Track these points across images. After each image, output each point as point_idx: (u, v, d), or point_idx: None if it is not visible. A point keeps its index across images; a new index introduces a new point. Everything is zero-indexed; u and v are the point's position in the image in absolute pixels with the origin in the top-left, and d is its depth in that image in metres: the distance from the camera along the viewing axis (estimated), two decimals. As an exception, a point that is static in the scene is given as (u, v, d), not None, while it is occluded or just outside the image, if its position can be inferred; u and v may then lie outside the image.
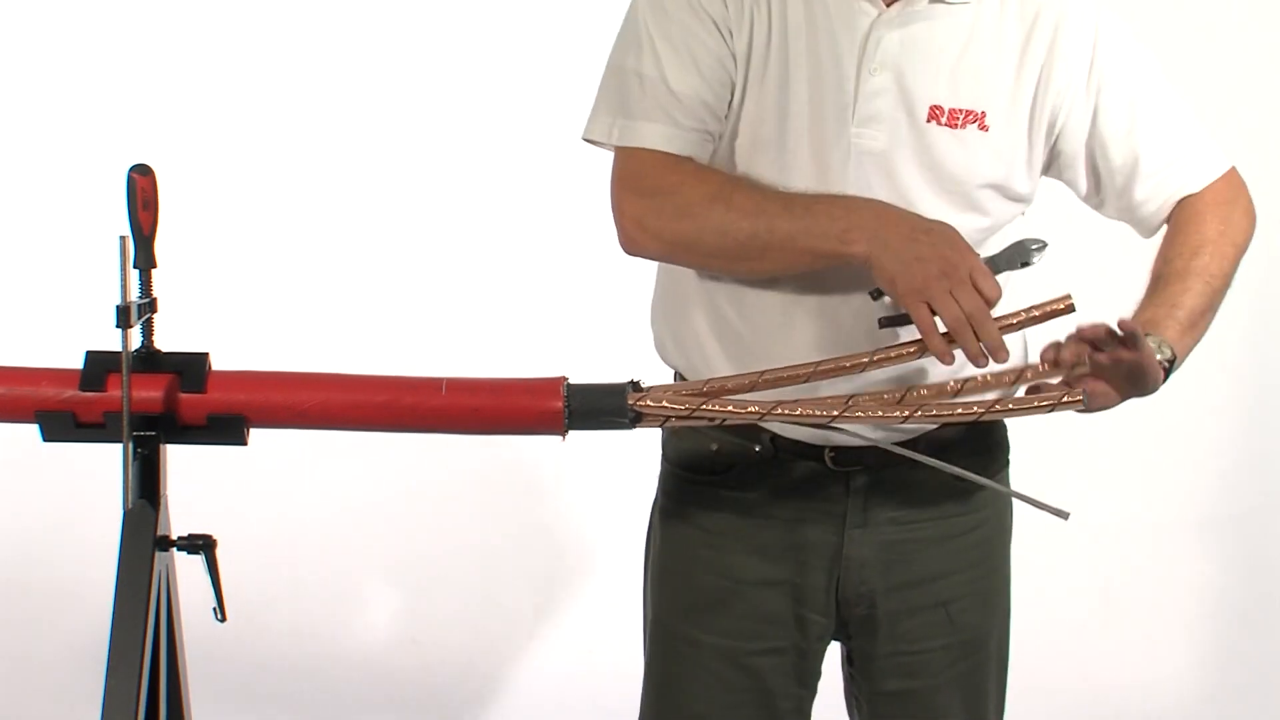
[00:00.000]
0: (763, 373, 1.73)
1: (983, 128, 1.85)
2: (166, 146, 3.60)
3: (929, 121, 1.84)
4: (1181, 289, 1.89)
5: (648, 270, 2.06)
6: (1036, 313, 1.74)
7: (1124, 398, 1.79)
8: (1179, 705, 3.74)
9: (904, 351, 1.73)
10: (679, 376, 1.98)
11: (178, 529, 1.72)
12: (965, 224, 1.80)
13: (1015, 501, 1.95)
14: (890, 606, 1.97)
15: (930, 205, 1.82)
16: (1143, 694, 3.76)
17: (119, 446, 1.63)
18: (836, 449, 1.90)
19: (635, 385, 1.71)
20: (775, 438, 1.92)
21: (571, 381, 1.70)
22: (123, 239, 1.61)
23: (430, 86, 3.93)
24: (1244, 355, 3.92)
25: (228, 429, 1.68)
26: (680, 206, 1.80)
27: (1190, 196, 1.93)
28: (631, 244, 1.85)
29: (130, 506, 1.64)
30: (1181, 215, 1.93)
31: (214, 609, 1.75)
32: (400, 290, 3.97)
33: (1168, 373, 1.83)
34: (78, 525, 3.72)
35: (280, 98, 3.96)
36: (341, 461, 3.84)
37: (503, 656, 3.77)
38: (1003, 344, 1.69)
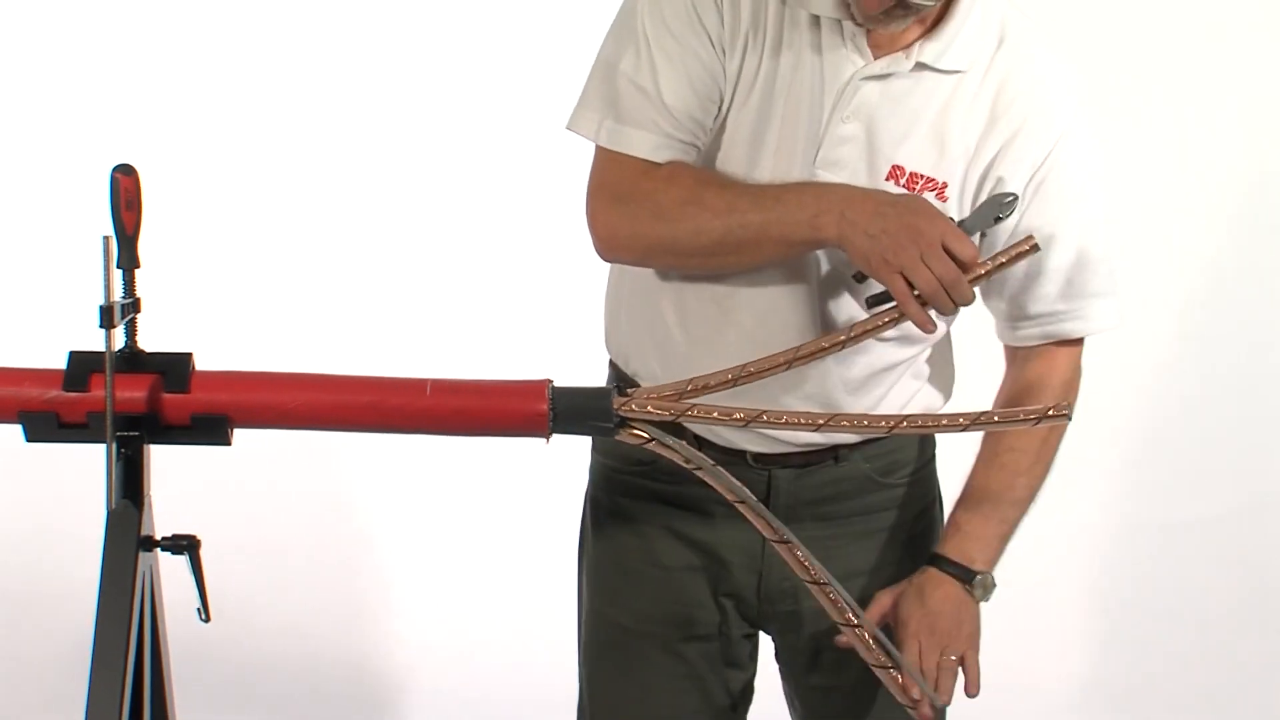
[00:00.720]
0: (744, 366, 1.73)
1: (941, 198, 1.84)
2: (150, 146, 3.60)
3: (887, 180, 1.84)
4: (1011, 503, 1.95)
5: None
6: (1004, 258, 1.75)
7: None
8: (1169, 703, 3.75)
9: (879, 323, 1.74)
10: (612, 365, 2.04)
11: (161, 529, 1.71)
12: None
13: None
14: (813, 603, 1.95)
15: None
16: (1130, 692, 3.77)
17: (102, 447, 1.63)
18: (758, 454, 1.95)
19: (620, 389, 1.71)
20: (698, 438, 1.95)
21: (556, 384, 1.70)
22: (106, 239, 1.61)
23: (413, 87, 3.93)
24: (1228, 358, 3.93)
25: (211, 429, 1.68)
26: (654, 211, 1.83)
27: (1048, 350, 1.93)
28: (607, 250, 1.89)
29: (114, 507, 1.63)
30: (1030, 375, 1.94)
31: (198, 609, 1.74)
32: (385, 291, 3.97)
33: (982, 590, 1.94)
34: (61, 526, 3.71)
35: (264, 98, 3.95)
36: (326, 462, 3.84)
37: (489, 656, 3.77)
38: (972, 297, 1.73)
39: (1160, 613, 3.90)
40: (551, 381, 1.69)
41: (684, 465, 1.70)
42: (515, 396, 1.68)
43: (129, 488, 1.66)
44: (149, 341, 1.70)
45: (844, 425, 1.73)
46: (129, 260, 1.65)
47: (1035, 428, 1.82)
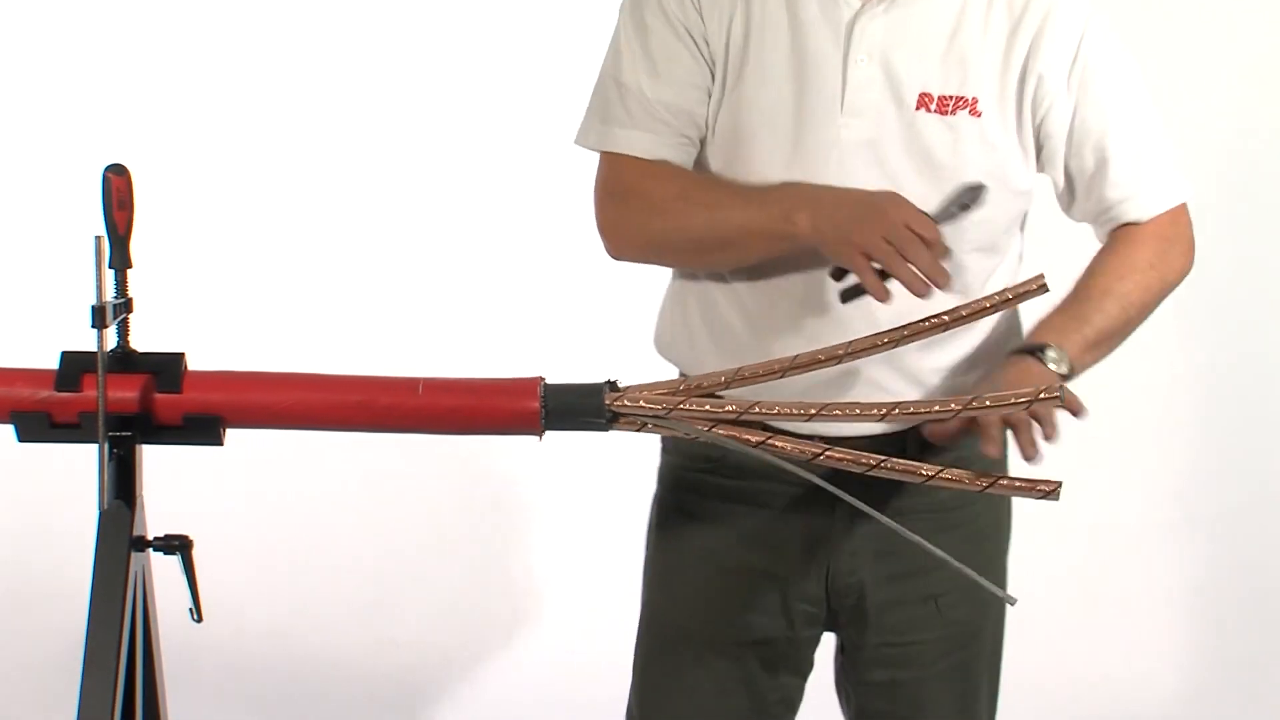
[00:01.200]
0: (739, 370, 1.73)
1: (974, 113, 1.86)
2: (142, 146, 3.59)
3: (918, 109, 1.85)
4: (1096, 308, 1.91)
5: (625, 272, 2.07)
6: (1010, 294, 1.74)
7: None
8: (1160, 703, 3.75)
9: (878, 342, 1.74)
10: (681, 373, 2.01)
11: (154, 529, 1.71)
12: (971, 217, 1.82)
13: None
14: (879, 598, 1.98)
15: (921, 195, 1.81)
16: (1125, 692, 3.78)
17: (95, 447, 1.63)
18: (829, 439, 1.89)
19: (612, 385, 1.71)
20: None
21: (548, 382, 1.70)
22: (98, 239, 1.61)
23: (408, 86, 3.93)
24: (1227, 355, 3.93)
25: (204, 429, 1.68)
26: (648, 207, 1.88)
27: (1130, 228, 1.94)
28: (613, 248, 1.93)
29: (106, 507, 1.63)
30: (1121, 235, 1.95)
31: (190, 609, 1.74)
32: (377, 290, 3.97)
33: (1064, 383, 1.83)
34: (53, 526, 3.71)
35: (257, 98, 3.95)
36: (318, 462, 3.83)
37: (480, 657, 3.77)
38: (941, 269, 1.71)
39: (1150, 612, 3.91)
40: (543, 379, 1.69)
41: (686, 439, 1.69)
42: (507, 394, 1.68)
43: (121, 488, 1.66)
44: (141, 341, 1.70)
45: (837, 414, 1.72)
46: (121, 260, 1.65)
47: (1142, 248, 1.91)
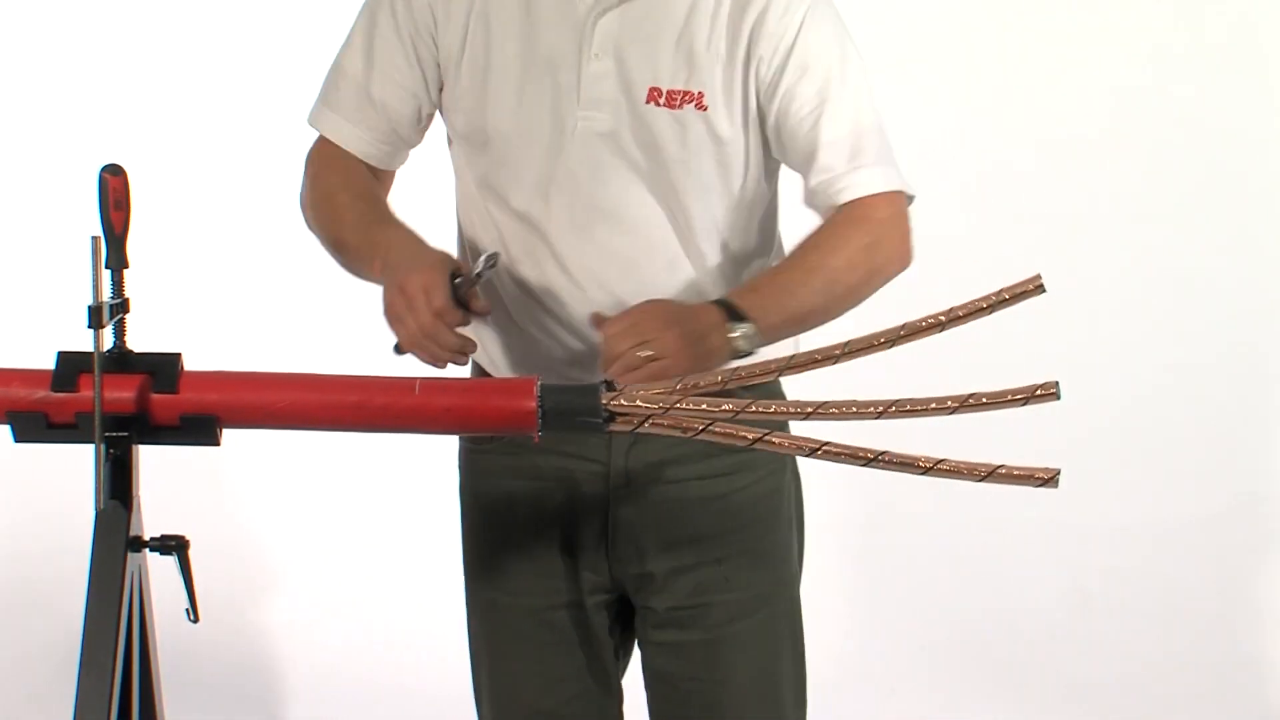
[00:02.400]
0: (735, 369, 1.73)
1: (700, 107, 1.91)
2: (138, 146, 3.59)
3: (648, 103, 1.92)
4: (803, 282, 1.91)
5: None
6: (1006, 295, 1.74)
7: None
8: (1153, 704, 3.76)
9: (875, 342, 1.74)
10: (476, 367, 2.09)
11: (150, 530, 1.71)
12: (701, 208, 1.93)
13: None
14: (664, 565, 2.03)
15: (656, 187, 1.93)
16: (1117, 692, 3.78)
17: (91, 447, 1.63)
18: None
19: (609, 385, 1.71)
20: None
21: (545, 381, 1.70)
22: (95, 239, 1.61)
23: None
24: (1218, 358, 3.94)
25: (200, 429, 1.68)
26: (315, 195, 2.05)
27: (857, 202, 1.94)
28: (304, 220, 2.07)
29: (102, 507, 1.63)
30: (837, 215, 1.95)
31: (186, 610, 1.74)
32: (373, 290, 3.97)
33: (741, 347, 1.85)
34: (50, 526, 3.71)
35: (253, 98, 3.95)
36: (315, 462, 3.84)
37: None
38: (460, 344, 1.80)
39: (1143, 614, 3.92)
40: (540, 378, 1.69)
41: (683, 435, 1.70)
42: (504, 394, 1.68)
43: (118, 488, 1.66)
44: (137, 342, 1.70)
45: (832, 413, 1.73)
46: (117, 260, 1.65)
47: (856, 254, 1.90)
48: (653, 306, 1.84)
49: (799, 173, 1.98)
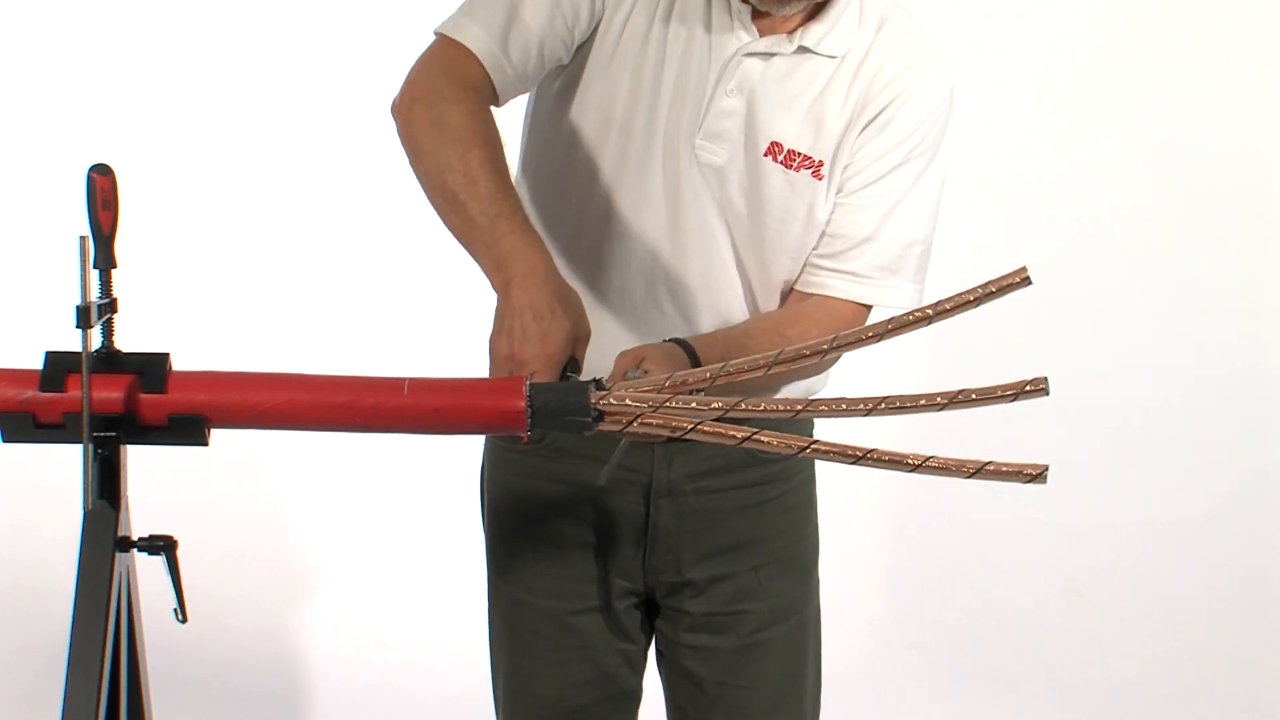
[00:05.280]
0: (723, 366, 1.73)
1: (817, 175, 1.94)
2: (127, 146, 3.59)
3: (766, 155, 1.93)
4: (771, 344, 1.89)
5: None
6: (993, 288, 1.74)
7: None
8: (1145, 702, 3.76)
9: (863, 336, 1.74)
10: None
11: (138, 530, 1.71)
12: (777, 269, 1.96)
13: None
14: (700, 573, 2.07)
15: (741, 235, 1.94)
16: (1108, 691, 3.79)
17: (79, 447, 1.62)
18: None
19: (598, 384, 1.70)
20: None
21: (534, 381, 1.69)
22: (82, 239, 1.60)
23: (394, 85, 3.93)
24: (1209, 358, 3.95)
25: (188, 429, 1.67)
26: (435, 119, 1.78)
27: (837, 300, 1.97)
28: (394, 110, 1.88)
29: (90, 508, 1.63)
30: (827, 306, 1.98)
31: (175, 610, 1.74)
32: (362, 290, 3.97)
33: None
34: (38, 526, 3.70)
35: (241, 98, 3.95)
36: (305, 462, 3.83)
37: (468, 656, 3.77)
38: None
39: (1134, 613, 3.92)
40: (529, 378, 1.69)
41: (671, 436, 1.70)
42: (493, 394, 1.68)
43: (106, 488, 1.65)
44: (125, 342, 1.70)
45: (822, 410, 1.73)
46: (105, 260, 1.65)
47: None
48: (661, 348, 1.86)
49: (824, 238, 1.99)
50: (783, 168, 1.93)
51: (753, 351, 1.83)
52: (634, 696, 2.17)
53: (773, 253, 1.98)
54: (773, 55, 1.92)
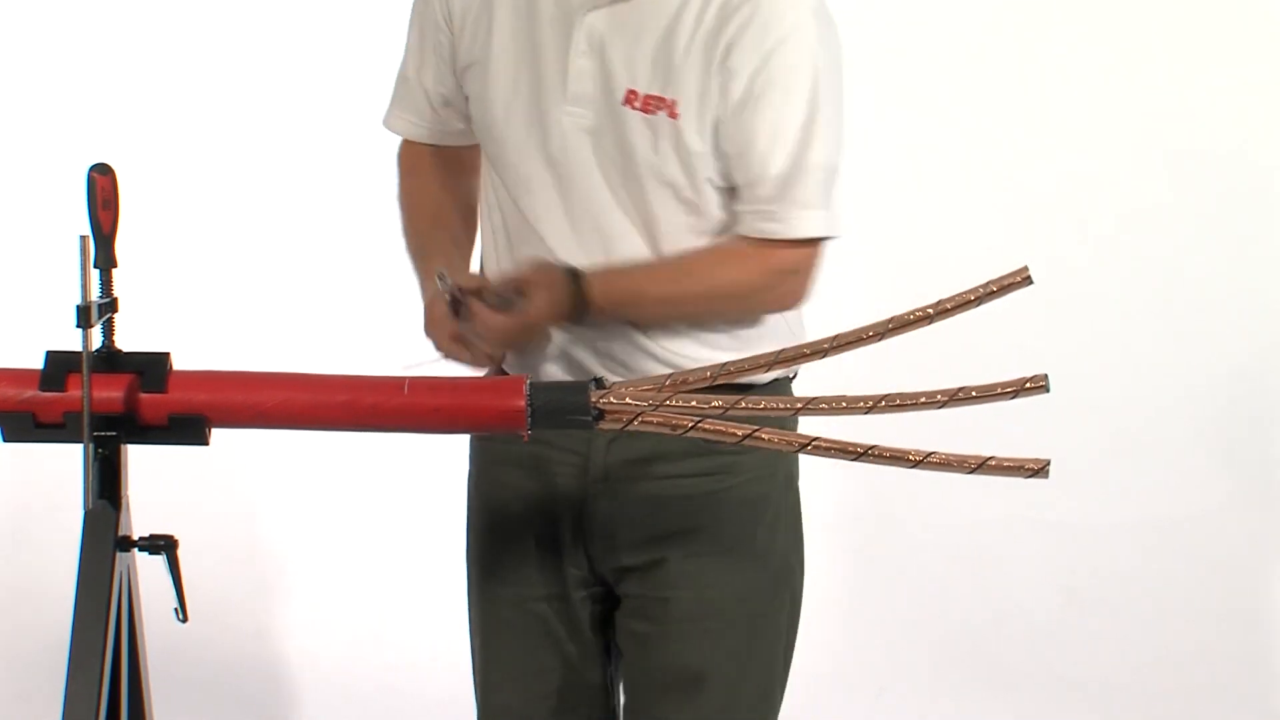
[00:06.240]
0: (724, 365, 1.73)
1: (672, 115, 1.91)
2: (127, 145, 3.59)
3: (624, 105, 1.92)
4: (666, 292, 1.94)
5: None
6: (994, 287, 1.75)
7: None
8: (1145, 702, 3.76)
9: (864, 335, 1.75)
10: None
11: (139, 529, 1.71)
12: (668, 217, 1.93)
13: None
14: (637, 559, 2.03)
15: (628, 191, 1.93)
16: (1106, 691, 3.79)
17: (79, 447, 1.62)
18: None
19: (599, 383, 1.71)
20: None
21: (534, 380, 1.70)
22: (83, 238, 1.60)
23: (389, 86, 3.92)
24: (1207, 356, 3.94)
25: (189, 429, 1.67)
26: (400, 190, 2.22)
27: (772, 241, 1.93)
28: None
29: (91, 507, 1.63)
30: (749, 247, 1.94)
31: (175, 609, 1.74)
32: (363, 290, 3.96)
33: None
34: (39, 526, 3.70)
35: (241, 97, 3.94)
36: (304, 461, 3.83)
37: (466, 656, 3.76)
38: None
39: (1134, 612, 3.92)
40: (529, 377, 1.69)
41: (671, 433, 1.70)
42: (493, 393, 1.68)
43: (106, 488, 1.66)
44: (126, 341, 1.70)
45: (822, 408, 1.73)
46: (106, 260, 1.65)
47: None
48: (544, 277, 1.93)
49: (733, 188, 1.96)
50: (641, 113, 1.91)
51: (654, 285, 1.93)
52: (601, 687, 2.15)
53: (659, 203, 1.94)
54: (614, 3, 1.92)
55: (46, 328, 2.00)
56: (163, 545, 1.69)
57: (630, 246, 1.97)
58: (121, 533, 1.66)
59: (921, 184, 3.92)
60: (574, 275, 1.90)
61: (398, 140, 2.21)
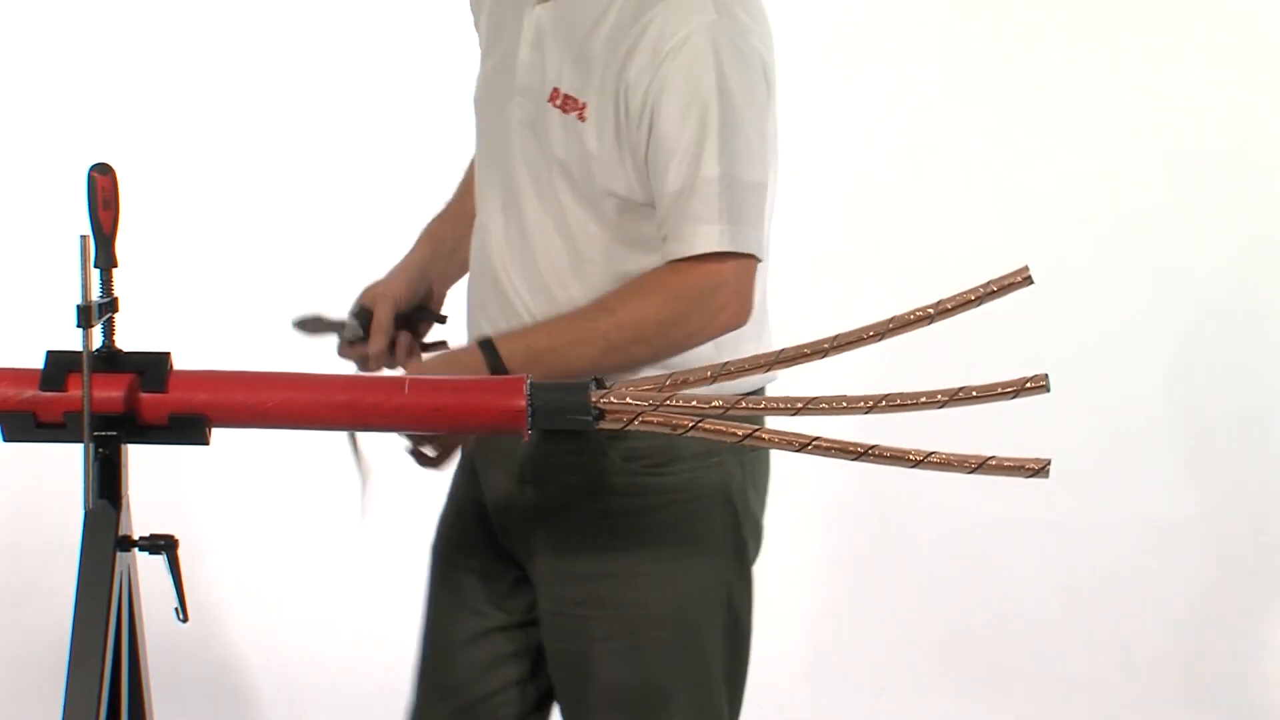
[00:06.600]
0: (725, 364, 1.73)
1: (581, 118, 1.89)
2: (128, 145, 3.59)
3: (549, 102, 1.92)
4: (579, 354, 1.89)
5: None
6: (994, 287, 1.74)
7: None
8: (1144, 702, 3.76)
9: (864, 335, 1.74)
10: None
11: (139, 529, 1.71)
12: (583, 221, 1.91)
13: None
14: (550, 567, 2.03)
15: (545, 187, 1.93)
16: (1106, 691, 3.79)
17: (80, 447, 1.62)
18: None
19: (599, 382, 1.71)
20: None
21: (535, 380, 1.70)
22: (83, 238, 1.60)
23: (392, 85, 3.93)
24: (1207, 356, 3.94)
25: (189, 429, 1.67)
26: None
27: (678, 264, 1.87)
28: None
29: (91, 507, 1.63)
30: (654, 279, 1.90)
31: (176, 609, 1.74)
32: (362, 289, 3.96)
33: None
34: (39, 526, 3.70)
35: (242, 96, 3.94)
36: (305, 461, 3.83)
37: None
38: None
39: (1134, 612, 3.92)
40: (529, 377, 1.69)
41: (673, 434, 1.70)
42: (493, 393, 1.68)
43: (106, 488, 1.65)
44: (126, 341, 1.70)
45: (822, 408, 1.72)
46: (106, 260, 1.65)
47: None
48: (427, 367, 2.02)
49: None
50: (560, 112, 1.90)
51: (568, 329, 1.90)
52: (520, 672, 2.14)
53: (569, 204, 1.92)
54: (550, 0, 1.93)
55: (46, 328, 2.00)
56: (163, 545, 1.68)
57: (546, 244, 1.95)
58: (122, 532, 1.66)
59: (921, 184, 3.92)
60: (487, 346, 1.90)
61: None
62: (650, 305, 1.88)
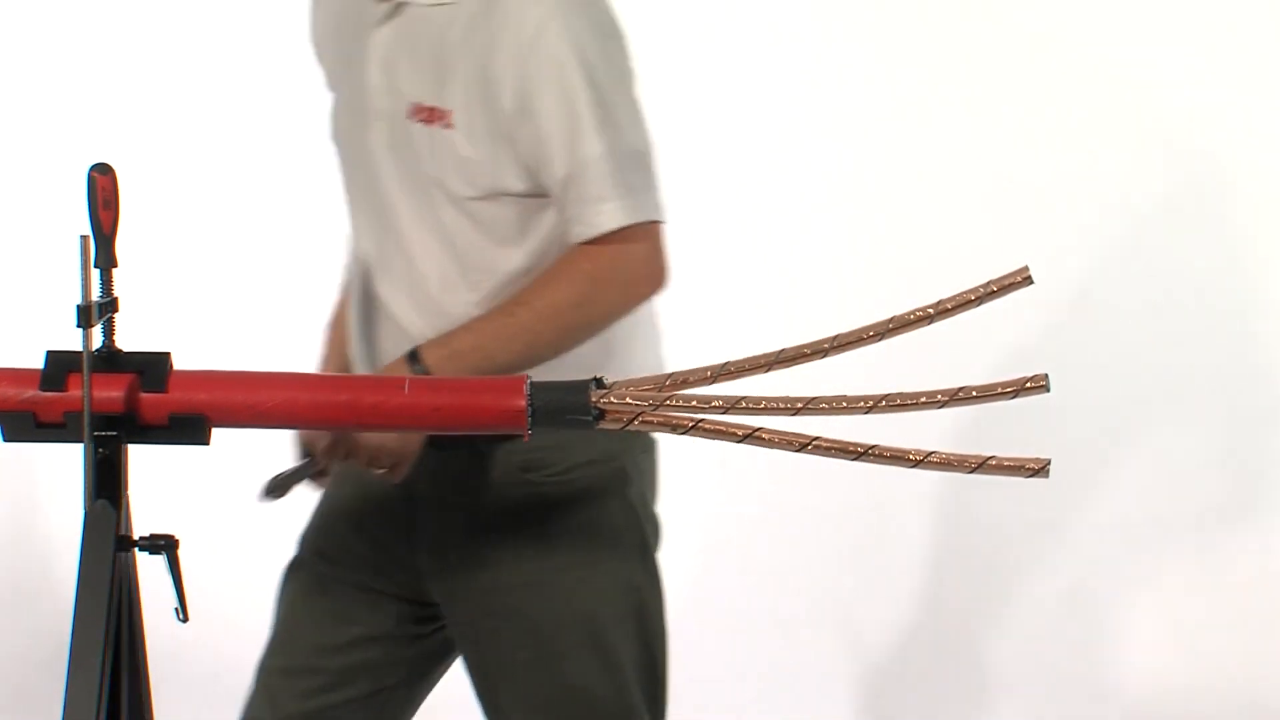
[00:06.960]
0: (725, 364, 1.73)
1: (448, 126, 1.89)
2: (127, 145, 3.59)
3: (409, 118, 1.92)
4: (504, 347, 1.89)
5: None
6: (995, 287, 1.74)
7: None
8: (1144, 702, 3.76)
9: (864, 336, 1.74)
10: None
11: (139, 529, 1.71)
12: (462, 231, 1.91)
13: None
14: (456, 582, 2.02)
15: (423, 207, 1.92)
16: (1110, 691, 3.79)
17: (80, 447, 1.62)
18: None
19: (599, 382, 1.71)
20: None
21: (534, 380, 1.70)
22: (83, 238, 1.60)
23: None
24: (1207, 356, 3.94)
25: (189, 429, 1.67)
26: None
27: (583, 247, 1.88)
28: None
29: (91, 507, 1.63)
30: (562, 264, 1.91)
31: (176, 609, 1.74)
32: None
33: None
34: (39, 526, 3.70)
35: (242, 95, 3.95)
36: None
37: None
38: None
39: (1133, 612, 3.92)
40: (529, 377, 1.69)
41: (673, 434, 1.70)
42: (493, 393, 1.68)
43: (106, 488, 1.65)
44: (126, 341, 1.70)
45: (822, 408, 1.73)
46: (106, 259, 1.65)
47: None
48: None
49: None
50: (424, 125, 1.90)
51: (490, 326, 1.89)
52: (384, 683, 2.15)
53: (449, 218, 1.92)
54: (393, 18, 1.92)
55: (46, 328, 2.00)
56: (163, 545, 1.68)
57: (433, 263, 1.95)
58: (122, 532, 1.66)
59: (921, 184, 3.92)
60: (412, 356, 1.89)
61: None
62: (565, 291, 1.89)
